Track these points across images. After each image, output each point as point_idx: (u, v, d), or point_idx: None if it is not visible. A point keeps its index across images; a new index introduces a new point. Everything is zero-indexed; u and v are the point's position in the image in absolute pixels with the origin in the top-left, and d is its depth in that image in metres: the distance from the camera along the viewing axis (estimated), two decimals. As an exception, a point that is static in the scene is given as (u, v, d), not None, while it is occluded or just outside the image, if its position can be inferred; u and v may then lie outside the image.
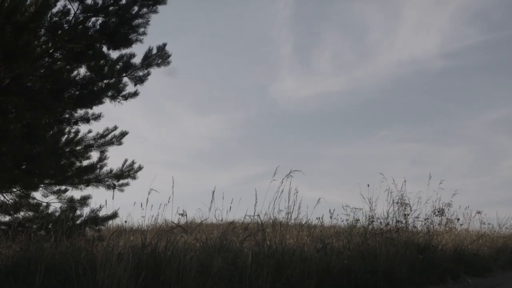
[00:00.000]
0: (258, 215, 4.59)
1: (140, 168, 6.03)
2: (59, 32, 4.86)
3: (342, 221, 6.38)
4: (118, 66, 5.34)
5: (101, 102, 5.46)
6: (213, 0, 23.06)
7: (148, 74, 5.47)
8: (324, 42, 22.50)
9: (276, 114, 21.50)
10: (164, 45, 5.42)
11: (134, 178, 5.99)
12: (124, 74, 5.42)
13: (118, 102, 5.51)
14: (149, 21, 5.15)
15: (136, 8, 5.06)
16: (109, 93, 5.42)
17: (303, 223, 5.06)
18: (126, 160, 6.00)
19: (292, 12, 22.81)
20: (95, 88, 5.37)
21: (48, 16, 4.74)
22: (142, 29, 5.17)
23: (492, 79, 21.94)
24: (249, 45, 23.93)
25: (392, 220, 5.84)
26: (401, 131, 20.54)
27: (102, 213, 5.53)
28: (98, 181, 5.80)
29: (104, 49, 5.23)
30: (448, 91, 21.84)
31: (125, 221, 5.77)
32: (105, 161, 5.93)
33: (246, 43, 23.75)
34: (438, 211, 6.95)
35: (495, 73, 21.47)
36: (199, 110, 23.66)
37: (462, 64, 22.67)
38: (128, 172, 5.95)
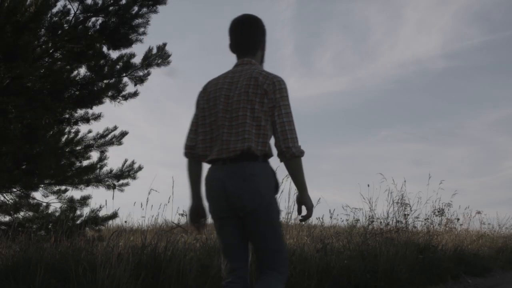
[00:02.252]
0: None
1: (140, 168, 6.03)
2: (59, 32, 4.86)
3: (342, 221, 6.40)
4: (118, 66, 5.34)
5: (101, 102, 5.46)
6: (215, 0, 23.08)
7: (148, 74, 5.47)
8: (326, 42, 22.51)
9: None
10: (164, 45, 5.42)
11: (134, 178, 5.98)
12: (124, 74, 5.41)
13: (118, 102, 5.51)
14: (149, 21, 5.15)
15: (136, 8, 5.06)
16: (109, 93, 5.42)
17: (303, 223, 5.07)
18: (126, 160, 6.00)
19: (294, 12, 22.82)
20: (95, 88, 5.37)
21: (48, 16, 4.74)
22: (142, 29, 5.17)
23: (492, 79, 21.95)
24: (250, 45, 23.86)
25: (392, 220, 5.85)
26: (402, 131, 20.54)
27: (102, 213, 5.53)
28: (98, 181, 5.80)
29: (104, 49, 5.23)
30: (449, 91, 21.83)
31: (125, 221, 5.76)
32: (105, 161, 5.92)
33: (246, 43, 23.66)
34: (438, 211, 6.96)
35: (496, 73, 21.48)
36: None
37: (463, 65, 22.68)
38: (128, 172, 5.94)
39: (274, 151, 1.97)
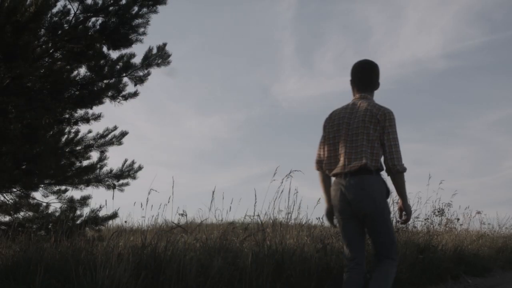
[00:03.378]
0: (258, 215, 4.59)
1: (140, 168, 6.03)
2: (59, 32, 4.86)
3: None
4: (118, 66, 5.33)
5: (101, 102, 5.46)
6: (215, 1, 23.07)
7: (148, 74, 5.47)
8: (327, 42, 22.53)
9: (278, 114, 21.51)
10: (164, 45, 5.42)
11: (134, 178, 5.98)
12: (124, 74, 5.41)
13: (118, 102, 5.50)
14: (149, 21, 5.14)
15: (136, 8, 5.05)
16: (109, 93, 5.42)
17: (303, 223, 5.06)
18: (126, 160, 6.00)
19: (295, 13, 22.85)
20: (95, 88, 5.37)
21: (48, 16, 4.73)
22: (142, 29, 5.16)
23: (493, 79, 21.98)
24: (252, 45, 23.95)
25: (392, 220, 5.83)
26: (402, 131, 20.48)
27: (102, 213, 5.53)
28: (98, 181, 5.80)
29: (104, 49, 5.22)
30: (449, 91, 21.87)
31: (125, 221, 5.77)
32: (105, 161, 5.92)
33: (248, 43, 23.78)
34: (438, 211, 6.95)
35: (496, 73, 21.51)
36: (202, 111, 23.68)
37: (463, 65, 22.71)
38: (128, 172, 5.94)
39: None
